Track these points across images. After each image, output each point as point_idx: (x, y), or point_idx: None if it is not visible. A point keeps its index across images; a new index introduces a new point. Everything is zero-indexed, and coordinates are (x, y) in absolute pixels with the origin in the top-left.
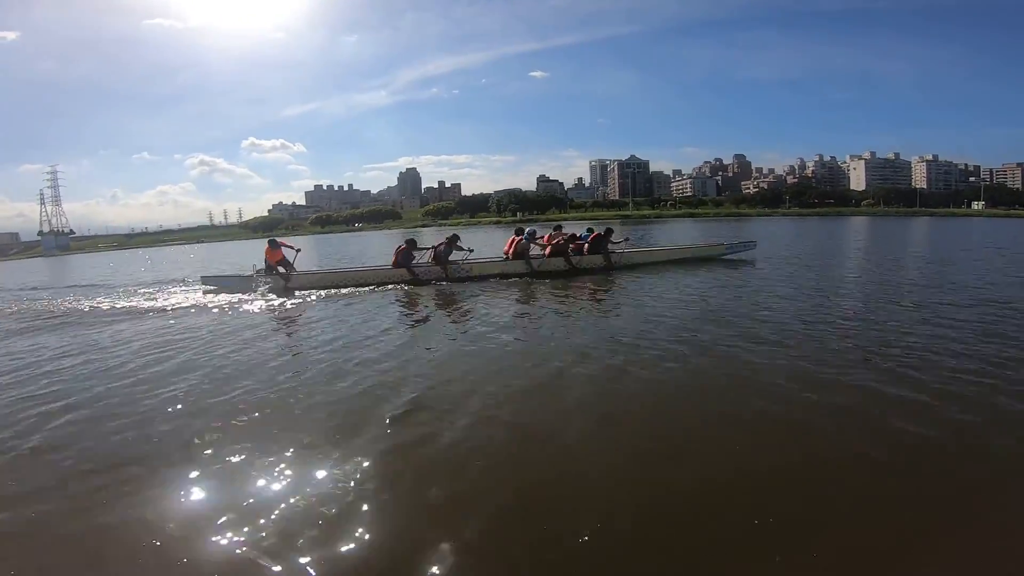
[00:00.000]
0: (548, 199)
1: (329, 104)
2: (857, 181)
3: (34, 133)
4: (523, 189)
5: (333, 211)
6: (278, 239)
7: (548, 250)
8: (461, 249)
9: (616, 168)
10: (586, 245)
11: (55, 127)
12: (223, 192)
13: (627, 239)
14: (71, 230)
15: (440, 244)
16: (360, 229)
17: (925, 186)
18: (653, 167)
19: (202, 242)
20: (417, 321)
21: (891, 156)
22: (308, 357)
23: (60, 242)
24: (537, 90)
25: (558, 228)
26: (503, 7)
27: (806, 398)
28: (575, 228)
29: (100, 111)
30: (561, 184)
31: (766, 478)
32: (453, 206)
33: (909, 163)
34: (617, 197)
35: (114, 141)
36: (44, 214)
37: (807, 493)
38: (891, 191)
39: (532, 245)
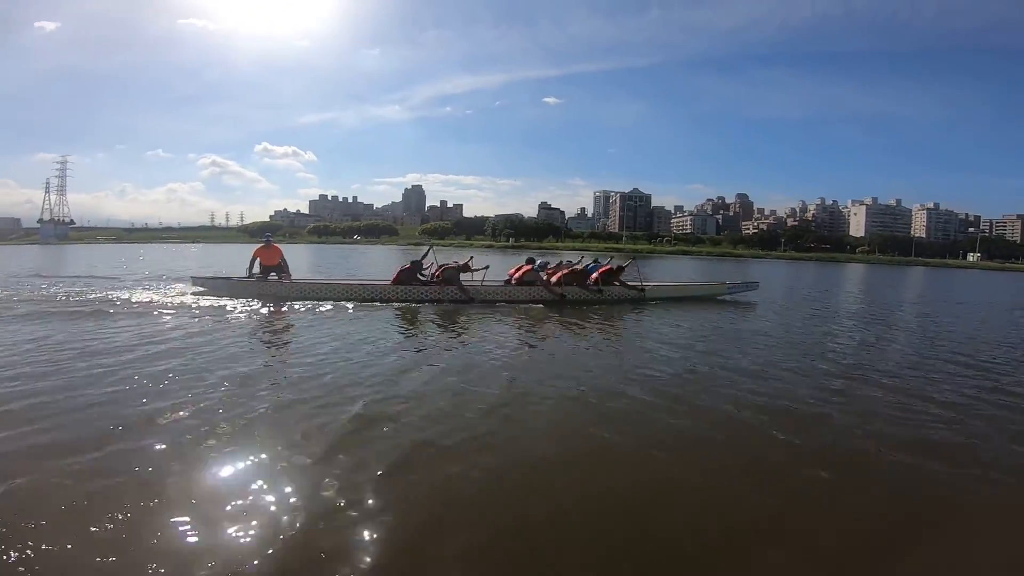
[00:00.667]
0: (545, 227)
1: (344, 115)
2: (857, 227)
3: (54, 122)
4: (524, 215)
5: (332, 222)
6: (273, 243)
7: (555, 279)
8: (470, 269)
9: (618, 200)
10: (593, 275)
11: (75, 118)
12: (231, 194)
13: (641, 284)
14: (71, 220)
15: (450, 265)
16: (358, 242)
17: (924, 234)
18: (658, 201)
19: (198, 242)
20: (407, 341)
21: (892, 203)
22: (286, 372)
23: (59, 231)
24: (550, 116)
25: (568, 263)
26: (523, 31)
27: (793, 436)
28: (570, 257)
29: (121, 105)
30: (562, 212)
31: (756, 526)
32: (450, 226)
33: (910, 211)
34: (616, 229)
35: (131, 136)
36: (47, 203)
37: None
38: (888, 239)
39: (539, 276)
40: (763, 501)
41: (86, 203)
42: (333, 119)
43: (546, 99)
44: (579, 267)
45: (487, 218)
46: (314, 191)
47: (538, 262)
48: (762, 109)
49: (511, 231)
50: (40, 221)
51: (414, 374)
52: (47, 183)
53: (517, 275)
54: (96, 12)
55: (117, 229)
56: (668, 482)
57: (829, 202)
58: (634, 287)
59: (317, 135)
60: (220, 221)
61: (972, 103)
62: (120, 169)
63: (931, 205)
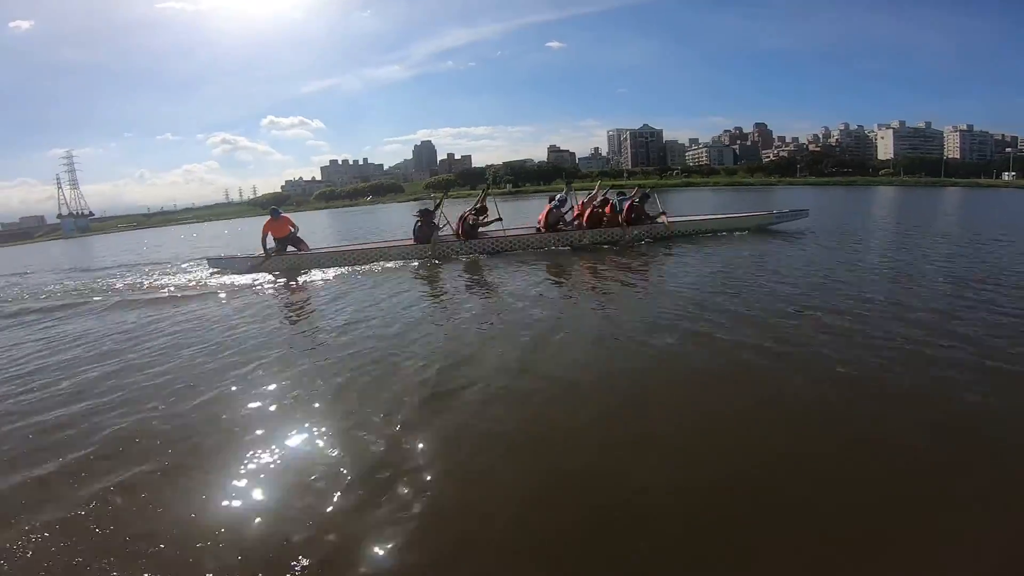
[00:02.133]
0: (550, 169)
1: (346, 80)
2: (885, 151)
3: (59, 117)
4: (535, 160)
5: (339, 186)
6: (281, 213)
7: (583, 220)
8: (488, 222)
9: (629, 137)
10: (621, 215)
11: (78, 111)
12: (245, 169)
13: (663, 212)
14: (90, 212)
15: (467, 213)
16: (369, 202)
17: (958, 156)
18: (678, 136)
19: (210, 221)
20: (437, 300)
21: (922, 125)
22: (325, 342)
23: (80, 224)
24: (554, 61)
25: (594, 197)
26: None
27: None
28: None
29: (119, 94)
30: (572, 154)
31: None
32: (454, 179)
33: (941, 133)
34: (630, 166)
35: (138, 123)
36: (62, 197)
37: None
38: (915, 160)
39: (564, 214)
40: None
41: (108, 192)
42: (335, 85)
43: (549, 44)
44: (598, 199)
45: (487, 167)
46: (326, 158)
47: (557, 197)
48: (779, 39)
49: (510, 177)
50: (59, 216)
51: (459, 338)
52: (57, 178)
53: (543, 219)
54: (67, 7)
55: (136, 216)
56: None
57: (854, 127)
58: (668, 223)
59: (322, 103)
60: (234, 197)
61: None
62: (134, 156)
63: (964, 127)
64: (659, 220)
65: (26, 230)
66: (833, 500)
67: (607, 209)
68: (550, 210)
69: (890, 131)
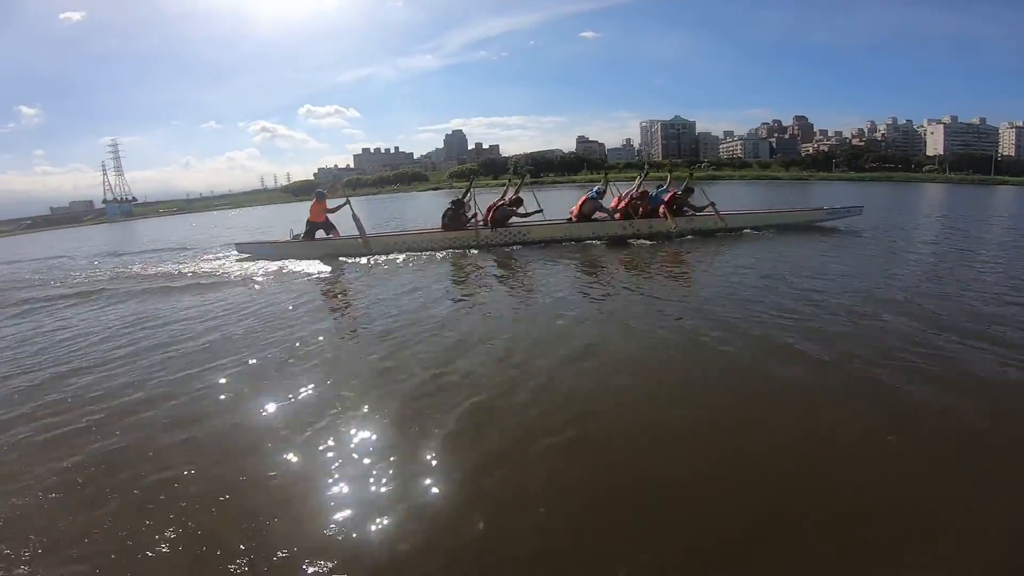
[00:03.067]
0: (574, 160)
1: (381, 69)
2: (935, 146)
3: (112, 106)
4: (563, 151)
5: (365, 174)
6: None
7: (619, 213)
8: (527, 214)
9: (660, 129)
10: (663, 207)
11: (127, 99)
12: (284, 156)
13: (712, 203)
14: (133, 197)
15: (500, 202)
16: (394, 190)
17: (1013, 154)
18: (717, 128)
19: (243, 207)
20: (469, 293)
21: (975, 121)
22: (358, 333)
23: (123, 209)
24: (588, 51)
25: (633, 187)
26: None
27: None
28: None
29: (166, 83)
30: (601, 145)
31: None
32: (477, 168)
33: (996, 129)
34: (661, 158)
35: (182, 111)
36: (107, 183)
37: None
38: (963, 156)
39: (600, 205)
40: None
41: (156, 178)
42: (370, 75)
43: (583, 34)
44: (636, 191)
45: (509, 158)
46: (360, 146)
47: (595, 189)
48: (828, 33)
49: (530, 167)
50: (104, 201)
51: (492, 330)
52: (103, 165)
53: (576, 210)
54: None
55: (178, 201)
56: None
57: (902, 121)
58: (720, 213)
59: (357, 92)
60: (269, 184)
61: None
62: (181, 143)
63: (1021, 123)
64: (706, 212)
65: (75, 214)
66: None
67: (644, 201)
68: (586, 200)
69: (940, 126)
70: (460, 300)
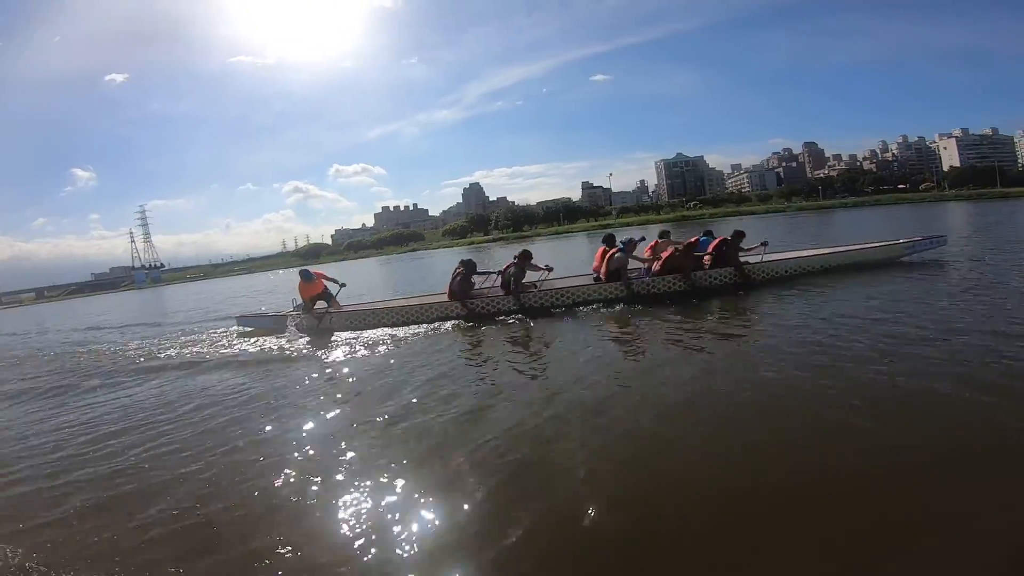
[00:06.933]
0: (558, 210)
1: (404, 126)
2: (950, 161)
3: (157, 169)
4: (572, 199)
5: (360, 237)
6: (312, 270)
7: (658, 264)
8: (537, 268)
9: (663, 168)
10: (707, 256)
11: (169, 162)
12: (317, 216)
13: (765, 243)
14: (161, 263)
15: (508, 265)
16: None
17: None
18: (731, 163)
19: (260, 271)
20: (480, 367)
21: (987, 132)
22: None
23: (152, 275)
24: (601, 94)
25: (665, 234)
26: (560, 12)
27: None
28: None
29: (209, 144)
30: (607, 190)
31: None
32: (466, 223)
33: (1011, 138)
34: (667, 198)
35: (221, 174)
36: (135, 251)
37: None
38: (966, 171)
39: (631, 259)
40: None
41: (201, 241)
42: (395, 131)
43: (593, 77)
44: (682, 244)
45: (490, 213)
46: (387, 204)
47: (623, 240)
48: (836, 56)
49: (508, 222)
50: (132, 268)
51: (507, 408)
52: (131, 232)
53: (602, 267)
54: (156, 59)
55: (204, 267)
56: None
57: (914, 138)
58: (775, 261)
59: (383, 149)
60: (291, 246)
61: None
62: (220, 206)
63: None
64: (756, 259)
65: (114, 280)
66: None
67: (687, 255)
68: (612, 255)
69: (952, 140)
70: (476, 388)
